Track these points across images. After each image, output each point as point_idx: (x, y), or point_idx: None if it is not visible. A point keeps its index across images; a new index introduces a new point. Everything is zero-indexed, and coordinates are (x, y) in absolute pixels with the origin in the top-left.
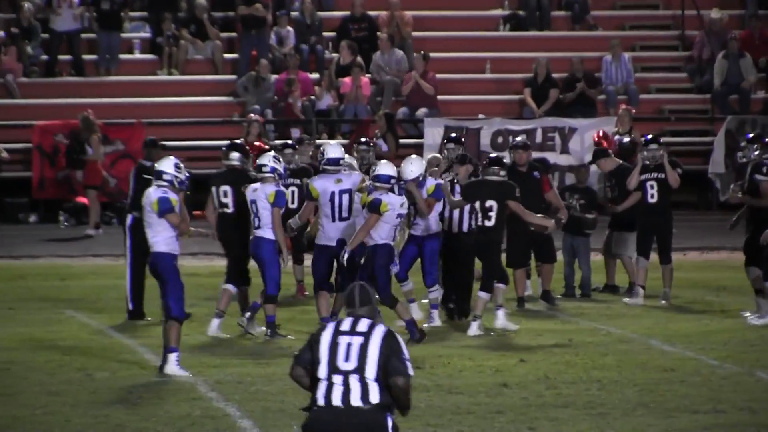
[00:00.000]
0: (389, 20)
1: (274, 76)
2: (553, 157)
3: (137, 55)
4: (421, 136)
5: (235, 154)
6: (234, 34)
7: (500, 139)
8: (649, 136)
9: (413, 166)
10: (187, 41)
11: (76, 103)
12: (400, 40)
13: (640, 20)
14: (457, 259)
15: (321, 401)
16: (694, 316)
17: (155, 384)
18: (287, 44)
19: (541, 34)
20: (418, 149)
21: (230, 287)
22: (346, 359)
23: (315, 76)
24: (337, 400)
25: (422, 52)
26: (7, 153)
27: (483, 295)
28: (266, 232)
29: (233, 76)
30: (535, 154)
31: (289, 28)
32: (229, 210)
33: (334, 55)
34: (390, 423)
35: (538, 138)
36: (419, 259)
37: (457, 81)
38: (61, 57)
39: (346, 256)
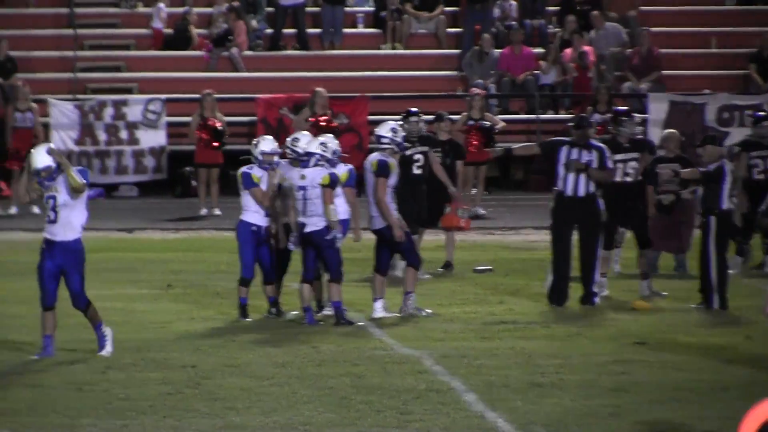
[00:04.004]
0: None
1: (497, 51)
2: None
3: (361, 29)
4: (645, 111)
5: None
6: (457, 9)
7: (725, 115)
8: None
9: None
10: (410, 15)
11: (300, 76)
12: (624, 13)
13: None
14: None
15: None
16: None
17: (380, 357)
18: (510, 18)
19: None
20: (642, 125)
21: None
22: None
23: (538, 50)
24: None
25: (646, 27)
26: (227, 126)
27: None
28: (246, 215)
29: (457, 51)
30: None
31: (513, 2)
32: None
33: (558, 29)
34: None
35: None
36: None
37: (682, 55)
38: (286, 31)
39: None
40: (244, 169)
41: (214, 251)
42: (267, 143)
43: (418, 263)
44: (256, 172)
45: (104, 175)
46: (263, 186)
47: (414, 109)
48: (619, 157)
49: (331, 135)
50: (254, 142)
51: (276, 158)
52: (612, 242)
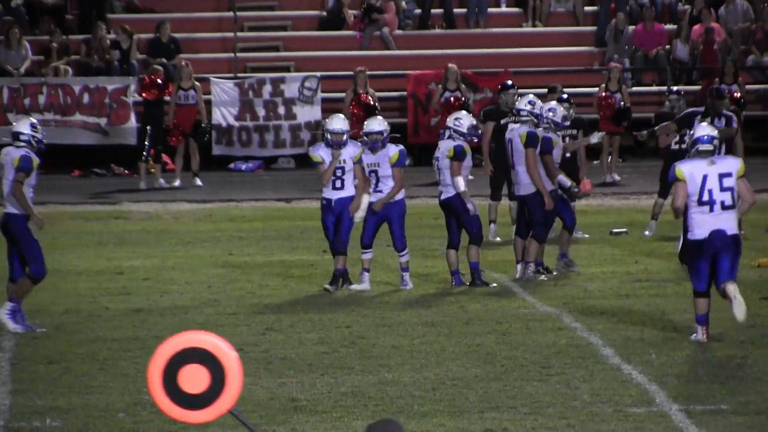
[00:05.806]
0: None
1: (631, 27)
2: None
3: (503, 9)
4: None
5: None
6: None
7: None
8: None
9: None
10: None
11: (447, 54)
12: None
13: None
14: None
15: None
16: None
17: (523, 315)
18: None
19: None
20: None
21: None
22: None
23: (669, 26)
24: None
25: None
26: (378, 101)
27: None
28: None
29: (593, 27)
30: None
31: None
32: None
33: (687, 6)
34: None
35: None
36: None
37: None
38: (434, 11)
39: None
40: (310, 148)
41: None
42: (335, 122)
43: (544, 238)
44: (318, 151)
45: (263, 148)
46: (325, 165)
47: (509, 82)
48: None
49: (464, 111)
50: (326, 120)
51: (345, 137)
52: None
